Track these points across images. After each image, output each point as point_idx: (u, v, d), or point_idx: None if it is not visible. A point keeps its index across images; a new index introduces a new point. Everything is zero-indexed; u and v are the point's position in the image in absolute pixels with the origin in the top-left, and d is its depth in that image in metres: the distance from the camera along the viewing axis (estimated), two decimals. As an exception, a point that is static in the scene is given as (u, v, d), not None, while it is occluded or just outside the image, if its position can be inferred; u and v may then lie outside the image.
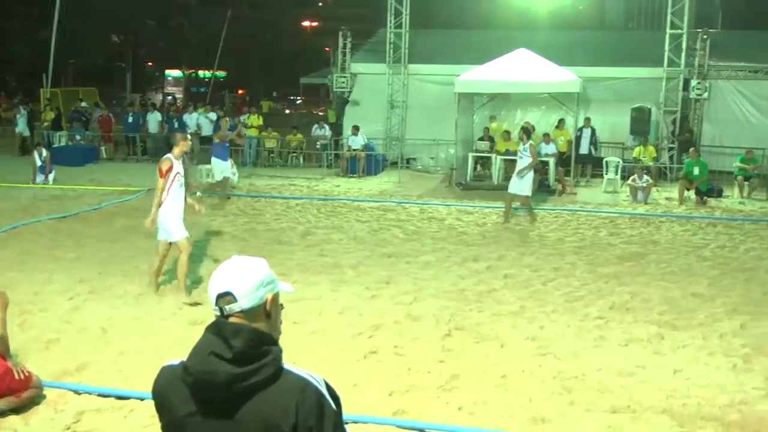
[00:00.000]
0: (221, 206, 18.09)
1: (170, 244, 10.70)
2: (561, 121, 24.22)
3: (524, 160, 16.91)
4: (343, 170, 25.78)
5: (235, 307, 2.64)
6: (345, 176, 25.21)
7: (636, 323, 9.90)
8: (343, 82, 28.88)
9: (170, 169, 10.52)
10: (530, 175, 17.04)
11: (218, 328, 2.62)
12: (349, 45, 29.31)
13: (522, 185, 16.94)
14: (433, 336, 9.15)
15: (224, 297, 2.67)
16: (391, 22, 28.03)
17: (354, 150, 25.94)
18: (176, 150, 10.71)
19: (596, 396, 7.47)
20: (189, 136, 11.80)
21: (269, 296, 2.70)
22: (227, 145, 19.33)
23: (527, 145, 17.03)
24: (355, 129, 26.09)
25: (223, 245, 13.92)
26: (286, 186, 22.28)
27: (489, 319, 9.86)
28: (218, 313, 2.68)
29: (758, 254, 14.55)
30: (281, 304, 2.82)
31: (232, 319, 2.65)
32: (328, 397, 2.58)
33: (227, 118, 20.11)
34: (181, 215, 10.71)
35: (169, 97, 56.41)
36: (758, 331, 9.73)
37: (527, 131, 17.58)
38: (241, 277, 2.68)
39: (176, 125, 29.77)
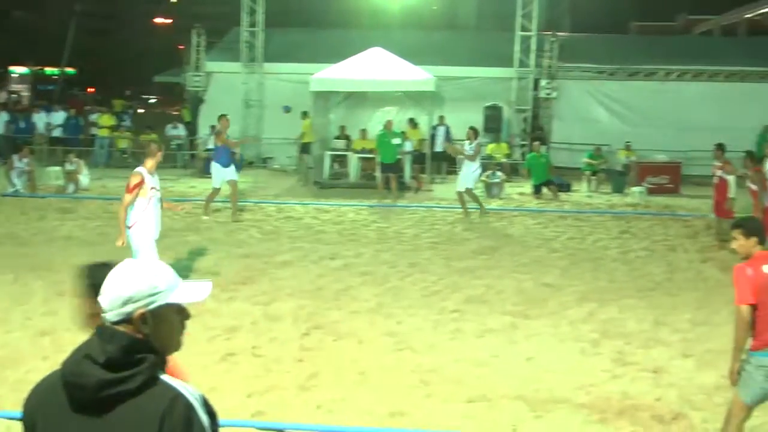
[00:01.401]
0: (236, 216, 17.00)
1: None
2: (411, 121, 24.50)
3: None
4: (199, 171, 25.33)
5: (105, 317, 2.56)
6: (201, 177, 24.76)
7: (491, 315, 10.17)
8: (198, 81, 28.34)
9: (140, 183, 9.61)
10: (478, 171, 18.09)
11: (100, 331, 2.54)
12: (203, 43, 28.80)
13: (468, 180, 17.83)
14: (292, 335, 9.14)
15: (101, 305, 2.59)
16: (245, 21, 27.76)
17: (210, 150, 25.54)
18: (150, 162, 9.82)
19: (453, 387, 7.63)
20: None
21: (138, 312, 2.59)
22: (228, 149, 17.46)
23: (474, 144, 17.82)
24: (213, 129, 25.69)
25: (71, 251, 13.37)
26: (141, 188, 21.75)
27: (347, 317, 9.92)
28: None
29: (604, 244, 15.20)
30: (184, 314, 2.72)
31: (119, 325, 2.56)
32: (200, 412, 2.52)
33: (227, 116, 18.04)
34: (155, 236, 9.86)
35: (14, 96, 54.01)
36: (605, 317, 10.21)
37: (476, 131, 18.36)
38: (112, 290, 2.58)
39: (22, 125, 28.63)
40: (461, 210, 18.04)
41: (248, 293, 10.94)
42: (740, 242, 5.94)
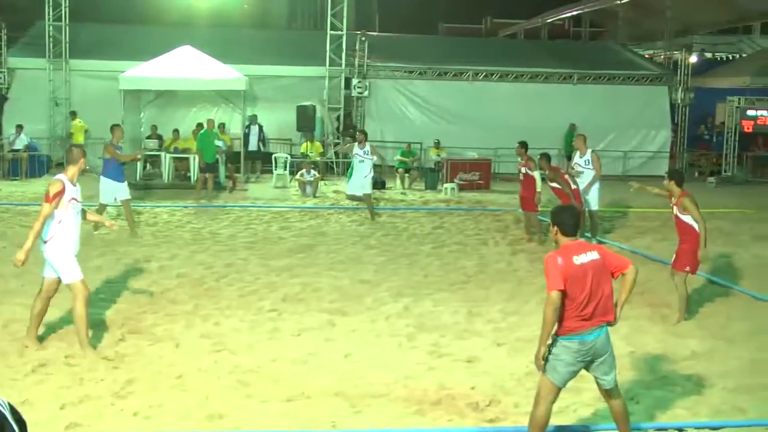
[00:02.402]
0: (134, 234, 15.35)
1: (59, 283, 8.77)
2: (222, 126, 24.09)
3: (366, 163, 17.57)
4: (5, 173, 24.11)
5: None
6: (7, 179, 23.58)
7: (308, 313, 10.26)
8: (0, 78, 26.84)
9: (60, 192, 8.33)
10: (371, 174, 17.82)
11: None
12: (4, 37, 27.20)
13: (364, 185, 17.61)
14: (106, 342, 8.89)
15: None
16: (49, 14, 26.49)
17: (16, 151, 24.34)
18: (72, 169, 8.58)
19: (272, 387, 7.66)
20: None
21: None
22: (119, 163, 15.52)
23: (368, 148, 17.64)
24: (19, 128, 24.46)
25: None
26: (-64, 193, 20.50)
27: (163, 320, 9.74)
28: None
29: (419, 240, 15.63)
30: None
31: None
32: (11, 420, 2.45)
33: (121, 126, 16.05)
34: (75, 251, 8.65)
35: None
36: (419, 311, 10.52)
37: (365, 133, 18.46)
38: None
39: None
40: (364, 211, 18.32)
41: (59, 300, 10.45)
42: (551, 229, 6.39)
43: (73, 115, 25.29)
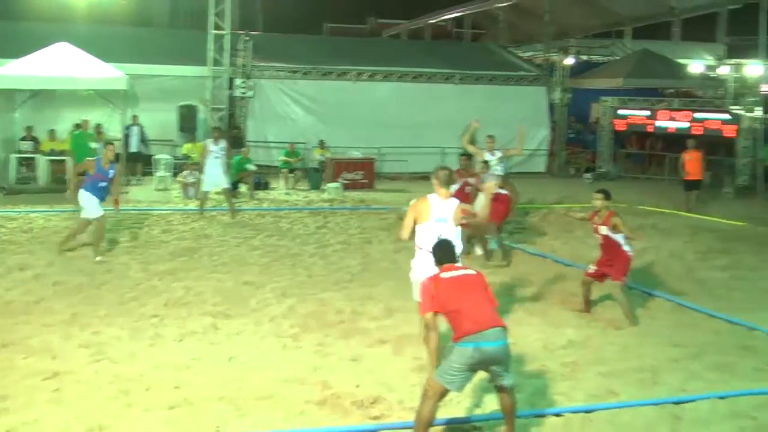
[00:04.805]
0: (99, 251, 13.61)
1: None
2: (98, 127, 23.31)
3: (220, 159, 17.67)
4: None
5: None
6: None
7: (191, 317, 10.09)
8: None
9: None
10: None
11: None
12: None
13: (223, 179, 17.91)
14: (-25, 355, 8.50)
15: None
16: None
17: None
18: (445, 190, 8.28)
19: (154, 394, 7.50)
20: None
21: None
22: (103, 184, 13.51)
23: (222, 145, 17.74)
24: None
25: None
26: None
27: (38, 331, 9.35)
28: None
29: (303, 240, 15.62)
30: None
31: None
32: None
33: (113, 145, 14.78)
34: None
35: None
36: (305, 311, 10.53)
37: (221, 131, 19.04)
38: None
39: None
40: None
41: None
42: None
43: None
